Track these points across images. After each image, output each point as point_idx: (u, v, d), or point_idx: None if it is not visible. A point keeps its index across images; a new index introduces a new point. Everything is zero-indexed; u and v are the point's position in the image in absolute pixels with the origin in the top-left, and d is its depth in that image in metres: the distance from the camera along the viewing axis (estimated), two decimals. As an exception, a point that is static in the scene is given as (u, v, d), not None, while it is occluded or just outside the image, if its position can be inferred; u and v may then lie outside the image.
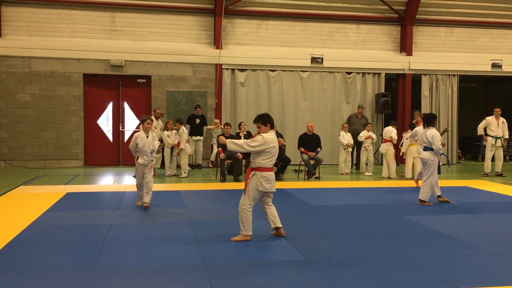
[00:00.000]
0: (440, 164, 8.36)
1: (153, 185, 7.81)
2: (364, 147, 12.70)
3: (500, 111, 12.71)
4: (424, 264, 4.86)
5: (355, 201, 8.59)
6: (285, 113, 14.77)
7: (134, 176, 11.02)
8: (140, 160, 7.59)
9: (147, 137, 7.63)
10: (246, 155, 10.42)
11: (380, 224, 6.79)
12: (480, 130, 12.75)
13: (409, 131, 11.46)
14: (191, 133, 13.40)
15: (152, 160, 7.80)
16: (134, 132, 14.12)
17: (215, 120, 13.88)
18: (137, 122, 14.20)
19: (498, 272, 4.67)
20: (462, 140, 16.88)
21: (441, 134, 9.41)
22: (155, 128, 11.91)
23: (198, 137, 13.45)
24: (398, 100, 15.69)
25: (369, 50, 15.34)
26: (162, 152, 12.05)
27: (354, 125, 13.86)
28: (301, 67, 14.80)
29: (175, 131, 12.06)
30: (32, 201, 8.23)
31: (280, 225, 5.90)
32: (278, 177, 11.10)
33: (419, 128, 8.68)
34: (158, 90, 14.11)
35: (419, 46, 15.62)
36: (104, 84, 14.13)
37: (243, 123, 12.28)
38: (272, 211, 5.88)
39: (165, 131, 11.94)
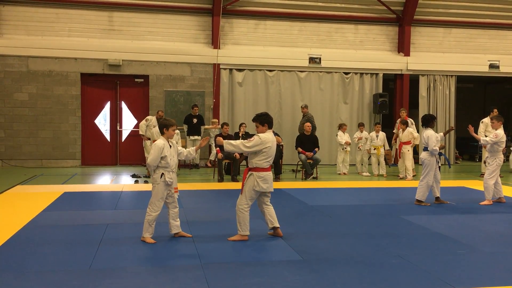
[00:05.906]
0: (439, 164, 8.37)
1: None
2: (358, 148, 12.73)
3: (497, 112, 12.61)
4: (421, 264, 4.86)
5: (353, 201, 8.59)
6: (282, 113, 14.77)
7: (135, 180, 10.94)
8: (166, 178, 5.64)
9: (170, 147, 5.78)
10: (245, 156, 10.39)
11: (377, 224, 6.80)
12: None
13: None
14: (188, 133, 13.40)
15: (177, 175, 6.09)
16: (134, 131, 14.13)
17: (213, 119, 13.86)
18: (135, 121, 14.18)
19: (494, 272, 4.68)
20: (459, 141, 16.90)
21: (446, 134, 9.44)
22: (154, 127, 11.87)
23: (196, 137, 13.41)
24: (396, 100, 15.70)
25: (367, 51, 15.36)
26: None
27: None
28: (299, 67, 14.80)
29: (178, 131, 11.98)
30: (29, 201, 8.21)
31: (278, 225, 5.89)
32: (276, 177, 11.07)
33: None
34: (156, 89, 14.09)
35: (416, 46, 15.64)
36: (101, 83, 14.11)
37: (243, 125, 12.18)
38: (270, 211, 5.88)
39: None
